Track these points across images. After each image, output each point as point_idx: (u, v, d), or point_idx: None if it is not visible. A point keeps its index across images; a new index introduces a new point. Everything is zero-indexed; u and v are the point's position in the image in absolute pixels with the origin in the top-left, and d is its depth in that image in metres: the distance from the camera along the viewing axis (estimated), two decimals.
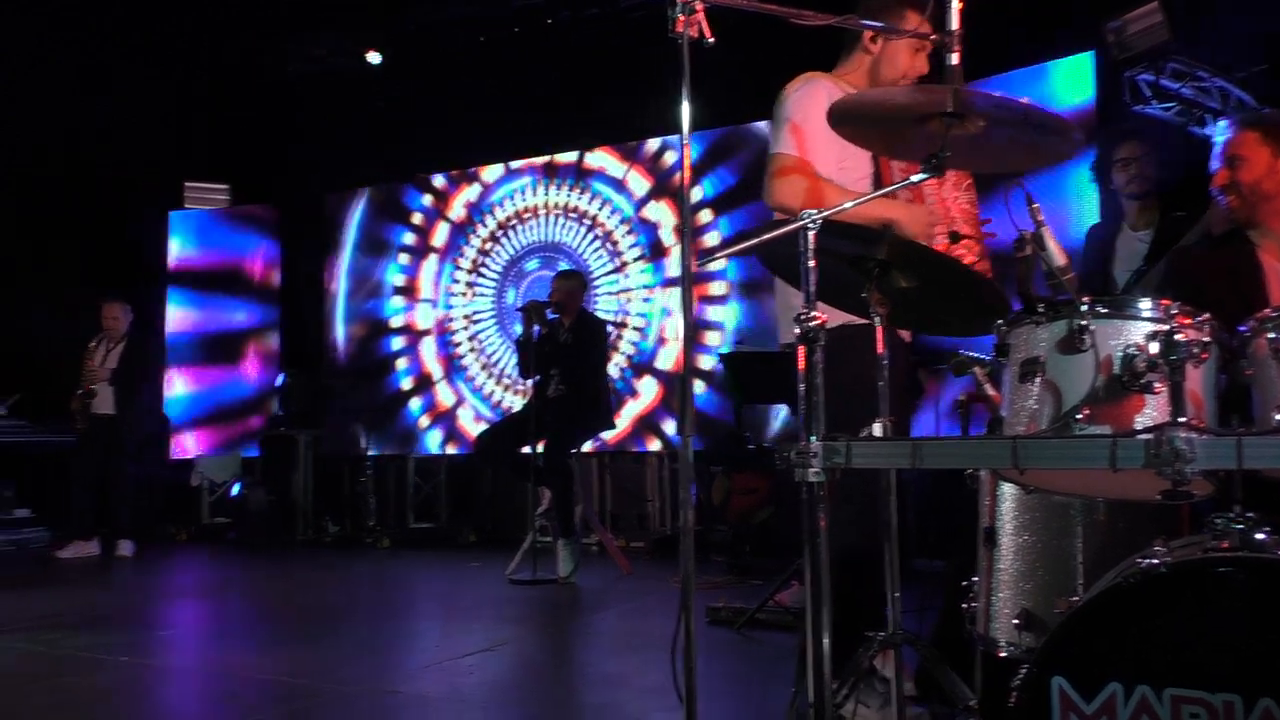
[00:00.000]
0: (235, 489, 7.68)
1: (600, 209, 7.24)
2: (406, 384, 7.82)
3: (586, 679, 3.34)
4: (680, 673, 1.63)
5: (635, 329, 7.00)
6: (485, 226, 7.66)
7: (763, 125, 5.82)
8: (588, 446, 6.00)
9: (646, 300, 6.98)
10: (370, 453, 7.56)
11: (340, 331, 8.17)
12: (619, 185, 7.22)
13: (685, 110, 1.74)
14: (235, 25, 7.45)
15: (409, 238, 7.96)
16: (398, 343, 7.90)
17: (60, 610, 4.51)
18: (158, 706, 3.07)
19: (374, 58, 7.66)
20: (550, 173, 7.45)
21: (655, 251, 7.02)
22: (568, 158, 7.37)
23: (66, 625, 4.15)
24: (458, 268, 7.72)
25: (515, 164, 7.58)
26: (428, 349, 7.77)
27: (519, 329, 5.68)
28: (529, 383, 5.49)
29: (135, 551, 6.54)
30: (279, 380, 7.95)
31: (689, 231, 1.73)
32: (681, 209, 1.75)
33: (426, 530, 7.38)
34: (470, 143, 7.55)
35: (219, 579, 5.98)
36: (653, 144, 7.09)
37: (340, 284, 8.17)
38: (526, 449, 5.16)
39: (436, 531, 7.28)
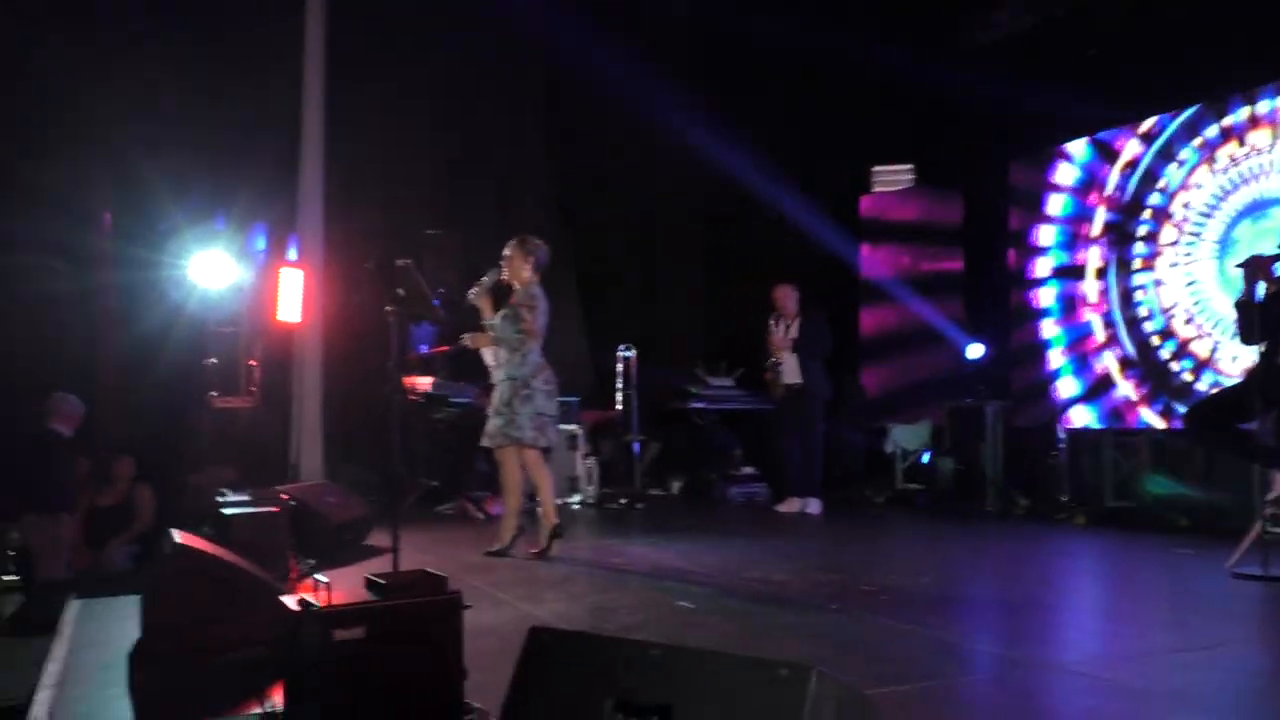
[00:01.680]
0: (925, 457, 7.93)
1: None
2: (1110, 360, 7.26)
3: None
4: None
5: None
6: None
7: None
8: None
9: None
10: (1068, 427, 7.28)
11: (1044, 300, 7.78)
12: None
13: None
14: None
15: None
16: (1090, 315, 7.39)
17: (776, 558, 5.06)
18: (886, 654, 3.22)
19: None
20: None
21: None
22: None
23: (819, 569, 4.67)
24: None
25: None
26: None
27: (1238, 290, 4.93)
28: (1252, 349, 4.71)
29: (821, 510, 6.97)
30: (969, 351, 8.00)
31: None
32: None
33: (1125, 510, 6.85)
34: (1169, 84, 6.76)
35: (915, 542, 6.20)
36: None
37: (1037, 256, 7.80)
38: (1247, 425, 4.53)
39: (1136, 511, 6.74)
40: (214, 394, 6.78)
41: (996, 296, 8.08)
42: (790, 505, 7.04)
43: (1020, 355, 7.88)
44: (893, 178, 8.74)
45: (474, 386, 7.13)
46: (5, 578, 5.12)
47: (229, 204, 7.07)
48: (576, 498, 7.51)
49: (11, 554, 5.17)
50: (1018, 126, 7.59)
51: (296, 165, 7.13)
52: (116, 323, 7.06)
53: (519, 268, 5.10)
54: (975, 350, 8.00)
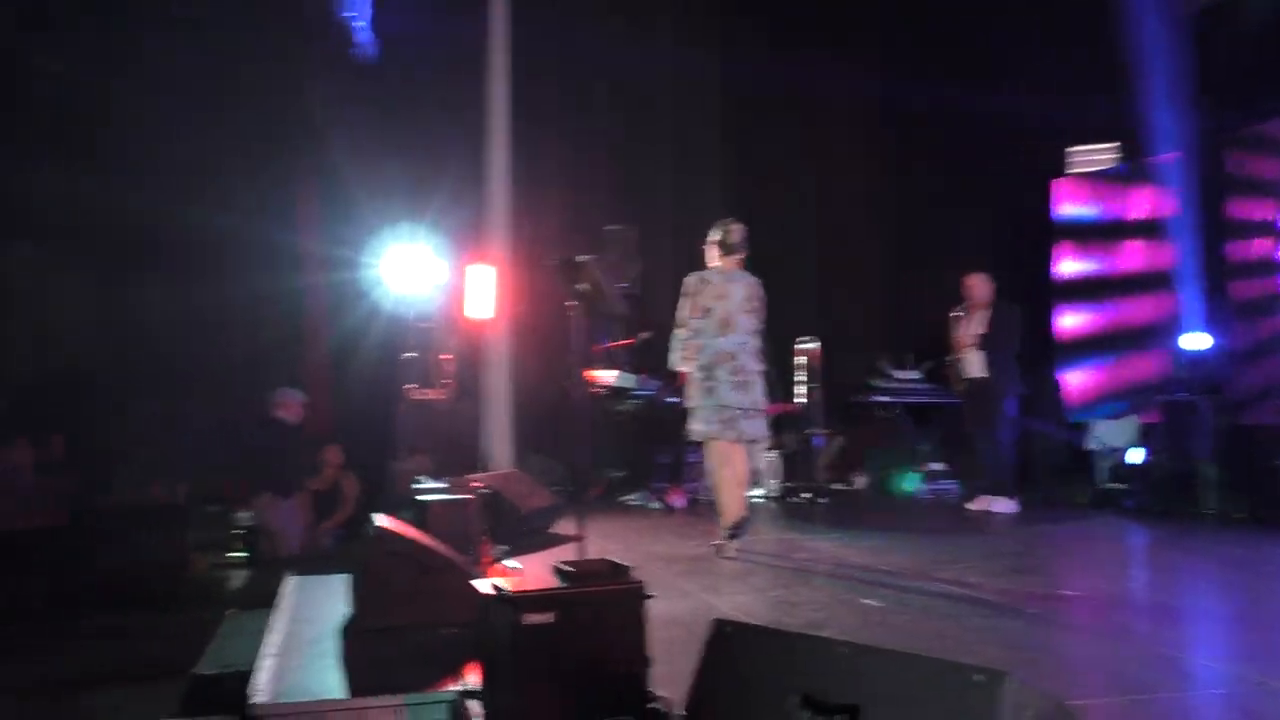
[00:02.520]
0: (1133, 454, 7.44)
1: None
2: None
3: None
4: None
5: None
6: None
7: None
8: None
9: None
10: None
11: None
12: None
13: None
14: None
15: None
16: None
17: (968, 558, 4.86)
18: (1090, 664, 3.13)
19: None
20: None
21: None
22: None
23: (988, 572, 4.47)
24: None
25: None
26: None
27: None
28: None
29: (1014, 509, 6.66)
30: (1186, 342, 7.52)
31: None
32: None
33: None
34: None
35: (1121, 545, 5.85)
36: None
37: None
38: None
39: None
40: (412, 387, 6.98)
41: (1214, 287, 7.54)
42: (980, 503, 6.80)
43: (1250, 350, 7.34)
44: (1092, 158, 8.32)
45: (656, 379, 7.20)
46: (234, 554, 5.47)
47: (424, 206, 7.26)
48: (759, 491, 7.49)
49: (241, 532, 5.51)
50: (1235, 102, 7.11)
51: (484, 166, 7.33)
52: (323, 321, 7.44)
53: (709, 252, 5.15)
54: (1195, 341, 7.47)
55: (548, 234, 7.81)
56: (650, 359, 7.29)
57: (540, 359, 7.56)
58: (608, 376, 7.11)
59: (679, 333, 5.06)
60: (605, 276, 4.63)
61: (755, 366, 5.02)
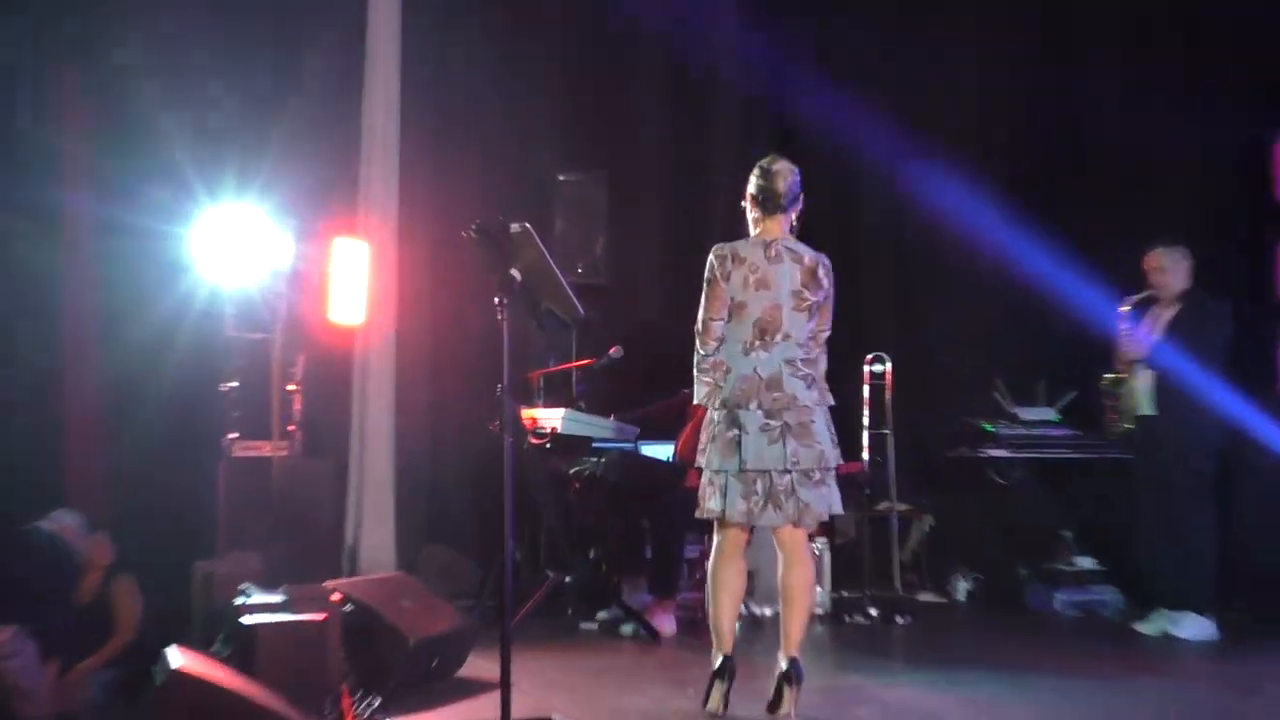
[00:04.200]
0: None
1: None
2: None
3: None
4: None
5: None
6: None
7: None
8: None
9: None
10: None
11: None
12: None
13: None
14: None
15: None
16: None
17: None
18: None
19: None
20: None
21: None
22: None
23: None
24: None
25: None
26: None
27: None
28: None
29: (1212, 634, 6.55)
30: None
31: None
32: None
33: None
34: None
35: None
36: None
37: None
38: None
39: None
40: (232, 436, 6.76)
41: None
42: (1157, 623, 6.70)
43: None
44: None
45: (628, 421, 7.20)
46: None
47: (260, 146, 7.05)
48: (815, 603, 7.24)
49: None
50: None
51: (360, 83, 7.25)
52: (93, 336, 7.13)
53: (748, 212, 5.11)
54: None
55: (462, 190, 7.81)
56: (623, 389, 7.47)
57: (445, 390, 7.65)
58: (553, 418, 6.87)
59: (699, 346, 4.97)
60: (552, 255, 4.86)
61: (813, 398, 4.84)
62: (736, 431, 4.81)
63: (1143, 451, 6.94)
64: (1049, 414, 8.18)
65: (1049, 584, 7.74)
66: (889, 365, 7.89)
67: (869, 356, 7.92)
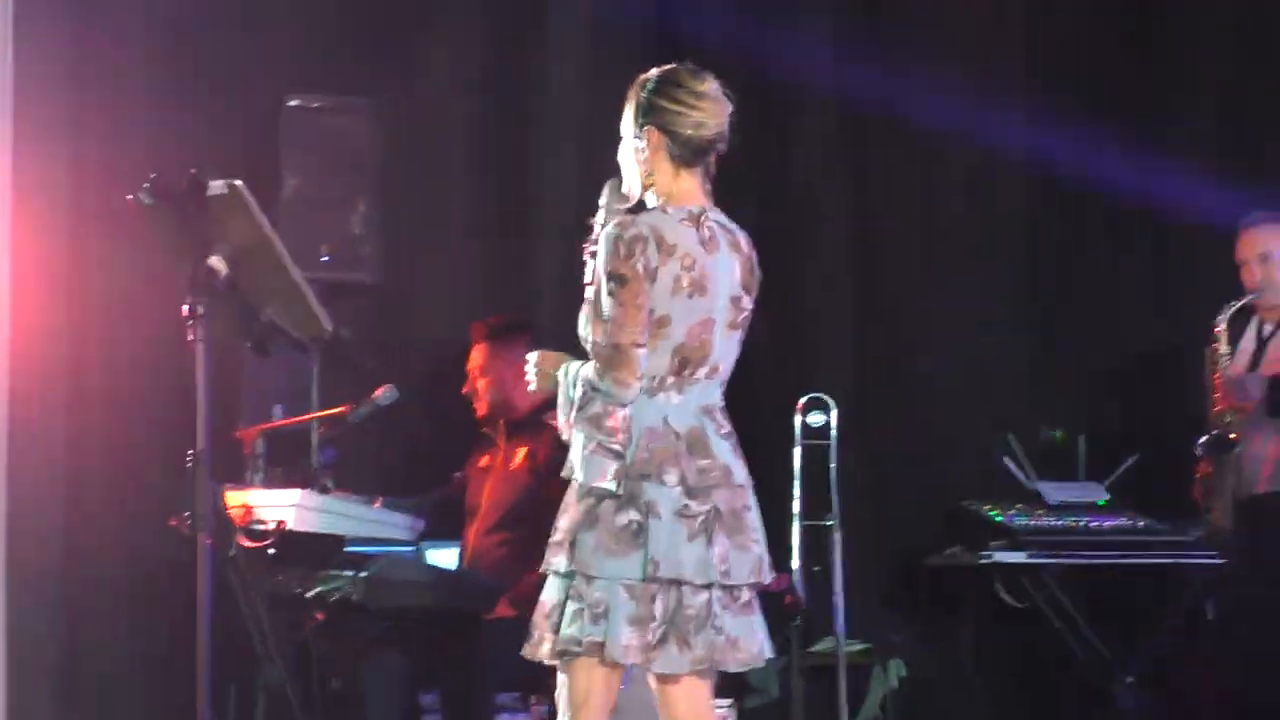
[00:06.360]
0: None
1: None
2: None
3: None
4: None
5: None
6: None
7: None
8: None
9: None
10: None
11: None
12: None
13: None
14: None
15: None
16: None
17: None
18: None
19: None
20: None
21: None
22: None
23: None
24: None
25: None
26: None
27: None
28: None
29: None
30: None
31: None
32: None
33: None
34: None
35: None
36: None
37: None
38: None
39: None
40: None
41: None
42: None
43: None
44: None
45: (409, 508, 7.29)
46: None
47: None
48: None
49: None
50: None
51: None
52: None
53: (642, 164, 5.01)
54: None
55: (131, 132, 7.79)
56: (401, 454, 7.99)
57: (90, 456, 7.62)
58: (281, 505, 6.91)
59: (607, 388, 4.85)
60: (280, 232, 5.06)
61: (745, 472, 4.94)
62: (637, 516, 4.74)
63: (1257, 554, 7.15)
64: (1094, 492, 8.26)
65: None
66: (833, 414, 7.89)
67: (802, 401, 7.92)
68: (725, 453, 4.90)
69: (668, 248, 4.84)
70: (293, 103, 8.22)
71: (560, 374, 5.07)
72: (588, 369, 4.96)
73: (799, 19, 9.45)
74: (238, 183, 4.79)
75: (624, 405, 4.87)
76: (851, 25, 9.64)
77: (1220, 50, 9.57)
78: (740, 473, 4.90)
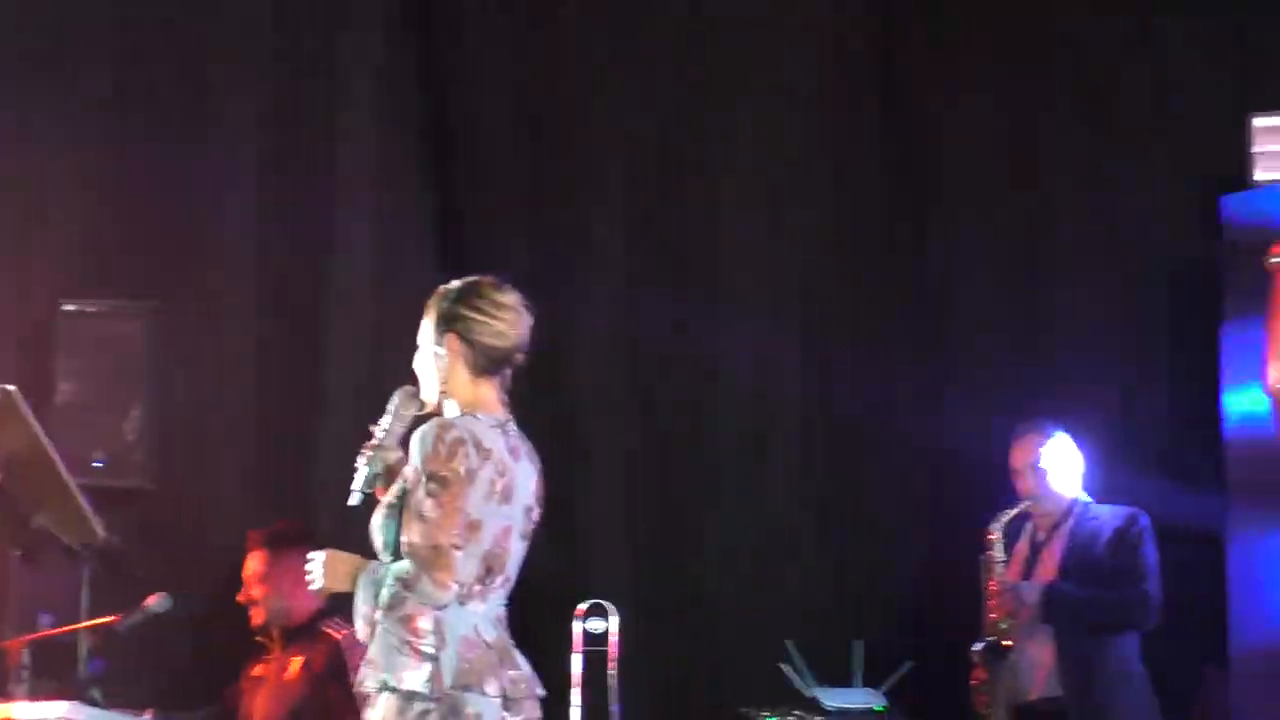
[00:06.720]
0: None
1: None
2: None
3: None
4: None
5: None
6: None
7: None
8: None
9: None
10: None
11: None
12: None
13: None
14: None
15: None
16: None
17: None
18: None
19: None
20: None
21: None
22: None
23: None
24: None
25: None
26: None
27: None
28: None
29: None
30: None
31: None
32: None
33: None
34: None
35: None
36: None
37: None
38: None
39: None
40: None
41: None
42: None
43: None
44: None
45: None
46: None
47: None
48: None
49: None
50: None
51: None
52: None
53: (439, 368, 5.17)
54: None
55: None
56: (181, 663, 7.81)
57: None
58: (49, 717, 6.85)
59: (397, 570, 4.92)
60: (53, 438, 4.28)
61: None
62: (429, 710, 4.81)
63: None
64: (871, 699, 8.39)
65: None
66: (614, 620, 8.11)
67: (581, 607, 8.10)
68: (526, 663, 5.02)
69: (484, 451, 4.95)
70: (68, 307, 8.27)
71: (365, 573, 4.95)
72: (400, 568, 4.87)
73: None
74: (11, 388, 4.91)
75: (439, 607, 4.87)
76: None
77: None
78: (536, 683, 5.06)
